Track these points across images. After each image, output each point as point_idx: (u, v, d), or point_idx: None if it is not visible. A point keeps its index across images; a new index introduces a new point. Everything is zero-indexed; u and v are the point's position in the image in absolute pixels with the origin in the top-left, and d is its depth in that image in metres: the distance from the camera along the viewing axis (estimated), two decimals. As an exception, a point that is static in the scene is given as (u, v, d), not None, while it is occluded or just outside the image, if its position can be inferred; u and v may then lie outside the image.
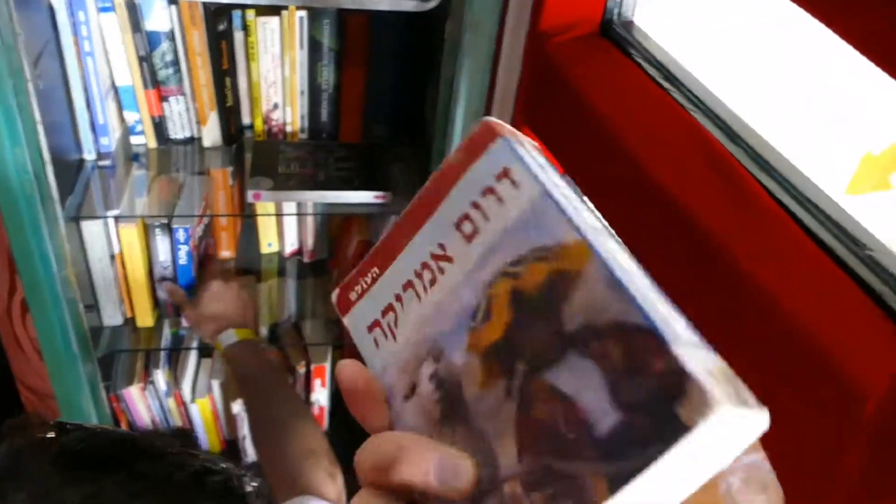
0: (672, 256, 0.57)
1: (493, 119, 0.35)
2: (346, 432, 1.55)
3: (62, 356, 1.05)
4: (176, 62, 1.16)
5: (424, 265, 0.35)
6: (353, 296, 0.36)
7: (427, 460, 0.30)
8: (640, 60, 0.74)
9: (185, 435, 0.51)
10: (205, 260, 1.24)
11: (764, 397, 0.49)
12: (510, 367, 0.32)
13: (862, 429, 0.38)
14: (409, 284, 0.35)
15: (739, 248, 0.51)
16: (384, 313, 0.35)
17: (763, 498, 0.33)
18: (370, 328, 0.35)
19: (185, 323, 1.24)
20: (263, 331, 1.40)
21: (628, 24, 0.75)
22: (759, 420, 0.29)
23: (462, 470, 0.30)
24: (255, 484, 0.57)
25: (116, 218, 1.15)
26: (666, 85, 0.69)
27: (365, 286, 0.36)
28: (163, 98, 1.20)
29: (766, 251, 0.49)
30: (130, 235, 1.18)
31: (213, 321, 1.15)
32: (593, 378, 0.30)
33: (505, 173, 0.34)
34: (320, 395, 1.48)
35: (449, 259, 0.34)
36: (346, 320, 0.36)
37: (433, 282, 0.34)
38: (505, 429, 0.31)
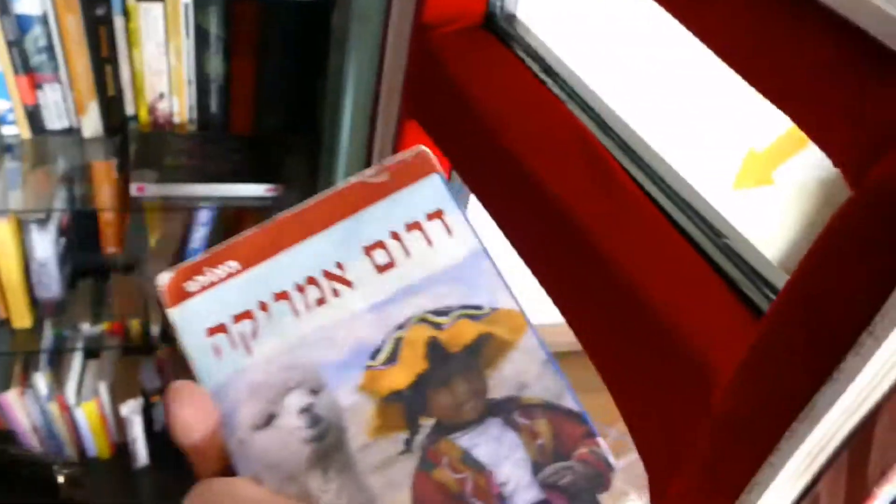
0: (546, 243, 0.58)
1: (429, 151, 0.34)
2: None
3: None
4: (50, 48, 1.10)
5: (311, 280, 0.31)
6: (191, 286, 0.30)
7: None
8: (520, 53, 0.74)
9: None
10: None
11: (628, 379, 0.51)
12: (414, 421, 0.30)
13: (709, 414, 0.40)
14: (283, 295, 0.31)
15: (605, 235, 0.52)
16: (237, 319, 0.30)
17: None
18: (211, 332, 0.30)
19: None
20: (156, 330, 1.35)
21: (510, 18, 0.76)
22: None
23: None
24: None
25: (-14, 212, 1.09)
26: (544, 78, 0.70)
27: (214, 279, 0.31)
28: (37, 85, 1.13)
29: (630, 238, 0.50)
30: (2, 231, 1.11)
31: None
32: (515, 451, 0.30)
33: (438, 215, 0.32)
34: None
35: (348, 283, 0.31)
36: (173, 313, 0.30)
37: (321, 301, 0.31)
38: (398, 487, 0.29)
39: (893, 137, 0.29)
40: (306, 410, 0.29)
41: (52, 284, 1.21)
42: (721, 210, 0.54)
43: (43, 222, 1.13)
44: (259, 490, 0.27)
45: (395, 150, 0.87)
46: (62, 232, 1.23)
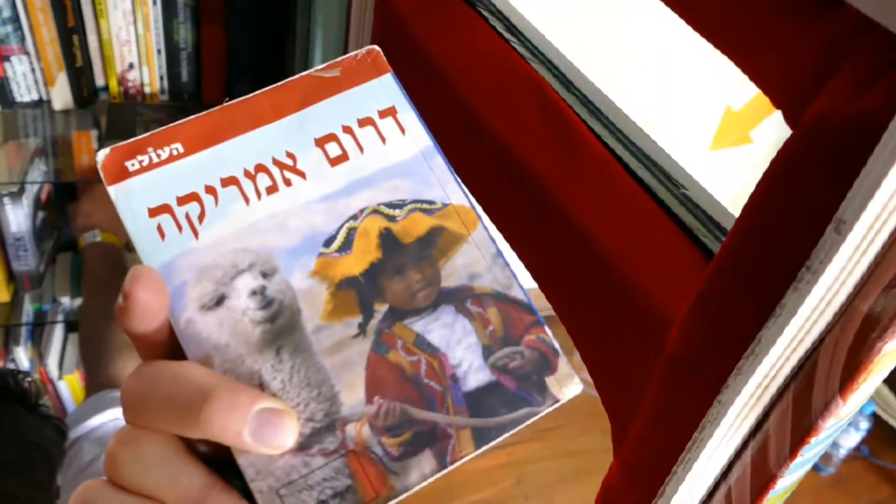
0: (504, 194, 0.58)
1: (381, 51, 0.34)
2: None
3: None
4: (16, 19, 1.08)
5: (260, 167, 0.31)
6: (132, 165, 0.30)
7: (242, 414, 0.24)
8: (485, 13, 0.74)
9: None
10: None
11: (588, 328, 0.52)
12: (368, 306, 0.30)
13: (661, 357, 0.41)
14: (232, 181, 0.31)
15: (561, 185, 0.52)
16: (182, 201, 0.30)
17: None
18: (153, 212, 0.29)
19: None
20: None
21: (475, -24, 0.76)
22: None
23: (287, 427, 0.26)
24: (29, 380, 0.54)
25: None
26: (508, 37, 0.70)
27: (156, 160, 0.30)
28: (3, 58, 1.12)
29: (586, 188, 0.51)
30: (-25, 206, 1.10)
31: (86, 218, 1.12)
32: (468, 336, 0.31)
33: (391, 112, 0.33)
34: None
35: (301, 174, 0.31)
36: (113, 190, 0.29)
37: (272, 190, 0.31)
38: (351, 367, 0.29)
39: (827, 74, 0.30)
40: (257, 293, 0.29)
41: (29, 258, 1.20)
42: (695, 170, 0.55)
43: (16, 196, 1.12)
44: (205, 371, 0.26)
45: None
46: (41, 205, 1.22)
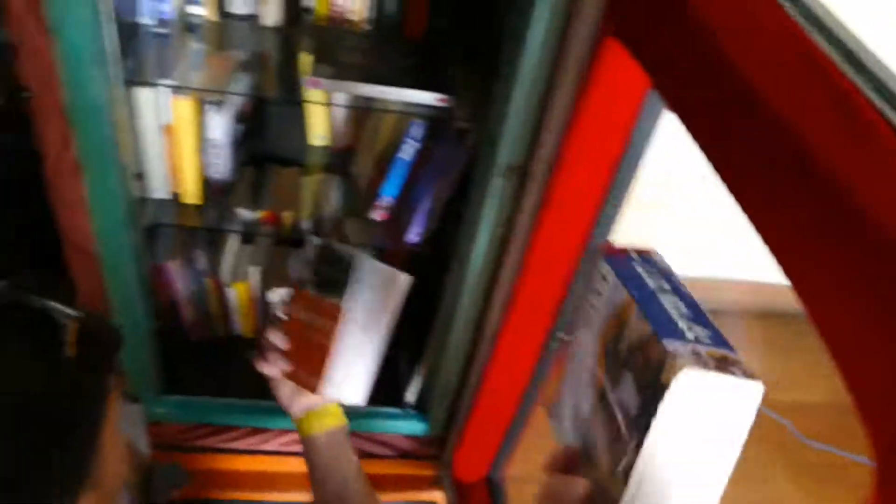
0: (766, 167, 0.53)
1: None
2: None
3: (109, 219, 1.04)
4: (243, -70, 1.10)
5: None
6: None
7: None
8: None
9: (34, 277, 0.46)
10: None
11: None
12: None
13: None
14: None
15: (856, 178, 0.47)
16: None
17: None
18: None
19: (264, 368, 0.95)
20: (306, 224, 1.38)
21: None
22: (751, 390, 0.41)
23: None
24: (71, 313, 0.50)
25: (171, 88, 1.12)
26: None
27: None
28: (228, -30, 1.15)
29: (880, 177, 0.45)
30: (184, 108, 1.15)
31: (312, 399, 0.93)
32: (630, 383, 0.46)
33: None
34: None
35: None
36: None
37: None
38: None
39: None
40: None
41: (221, 167, 1.25)
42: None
43: (219, 104, 1.16)
44: None
45: (591, 70, 0.82)
46: (240, 118, 1.26)
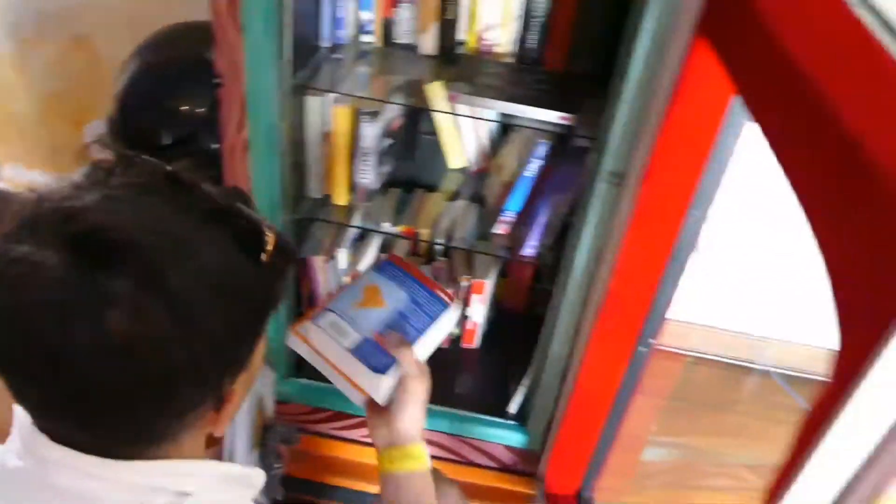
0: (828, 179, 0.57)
1: None
2: (499, 352, 1.64)
3: (266, 199, 1.24)
4: (412, -29, 1.30)
5: None
6: None
7: None
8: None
9: (241, 194, 0.60)
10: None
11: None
12: None
13: None
14: None
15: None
16: None
17: None
18: None
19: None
20: (440, 239, 1.52)
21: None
22: None
23: None
24: (271, 235, 0.62)
25: (335, 97, 1.32)
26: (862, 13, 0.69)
27: None
28: (395, 3, 1.35)
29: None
30: (343, 116, 1.34)
31: (393, 433, 0.90)
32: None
33: None
34: (476, 310, 1.58)
35: None
36: None
37: None
38: None
39: None
40: None
41: (369, 173, 1.43)
42: None
43: (373, 116, 1.34)
44: None
45: (682, 76, 0.90)
46: (389, 133, 1.44)
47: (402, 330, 0.94)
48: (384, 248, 1.62)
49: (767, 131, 0.68)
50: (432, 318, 0.97)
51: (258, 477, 0.69)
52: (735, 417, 2.12)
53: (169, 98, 1.54)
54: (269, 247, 0.62)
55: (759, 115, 0.71)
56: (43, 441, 0.58)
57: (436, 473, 0.95)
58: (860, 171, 0.51)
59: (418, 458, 0.89)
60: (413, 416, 0.89)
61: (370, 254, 1.58)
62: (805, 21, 0.67)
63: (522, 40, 1.35)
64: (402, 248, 1.61)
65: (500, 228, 1.42)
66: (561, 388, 1.32)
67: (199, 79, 1.41)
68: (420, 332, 0.95)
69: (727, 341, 2.17)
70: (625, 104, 1.02)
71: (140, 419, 0.58)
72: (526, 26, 1.33)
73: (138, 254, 0.53)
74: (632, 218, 1.03)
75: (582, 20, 1.30)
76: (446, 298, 1.00)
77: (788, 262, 1.93)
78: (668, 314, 1.13)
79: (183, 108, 1.55)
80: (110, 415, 0.57)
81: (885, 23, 0.65)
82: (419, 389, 0.90)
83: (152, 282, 0.53)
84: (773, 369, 2.16)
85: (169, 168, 0.61)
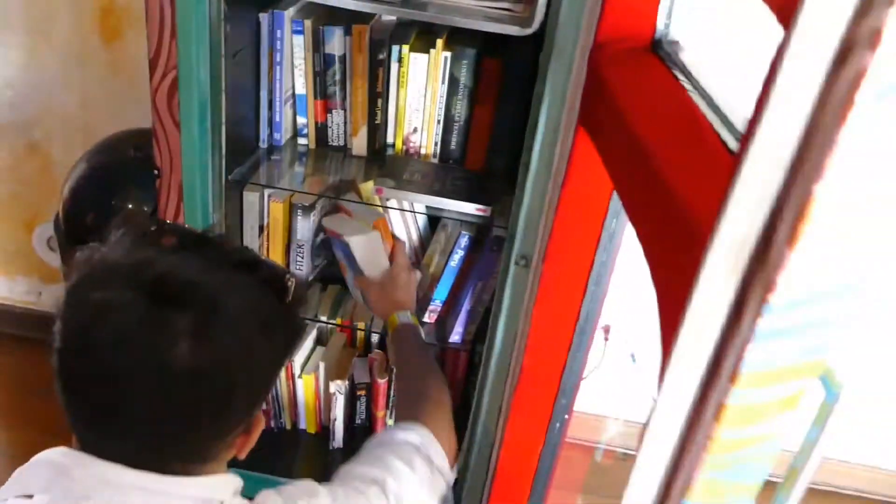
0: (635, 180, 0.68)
1: None
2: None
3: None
4: (343, 80, 1.43)
5: None
6: None
7: None
8: (678, 74, 0.86)
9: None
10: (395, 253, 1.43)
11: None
12: None
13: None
14: None
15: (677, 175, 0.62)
16: None
17: None
18: None
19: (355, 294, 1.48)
20: (375, 337, 1.58)
21: (674, 43, 0.89)
22: None
23: None
24: (293, 280, 0.75)
25: (270, 193, 1.41)
26: (698, 99, 0.81)
27: None
28: (327, 109, 1.47)
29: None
30: (279, 210, 1.43)
31: (394, 305, 1.34)
32: None
33: None
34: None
35: None
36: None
37: None
38: None
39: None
40: None
41: (304, 265, 1.50)
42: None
43: (307, 210, 1.43)
44: None
45: (570, 157, 1.01)
46: (321, 228, 1.52)
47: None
48: (320, 339, 1.67)
49: (623, 202, 0.78)
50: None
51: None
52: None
53: (113, 196, 1.62)
54: (292, 291, 0.75)
55: (617, 187, 0.81)
56: (111, 466, 0.67)
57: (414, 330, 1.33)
58: (686, 229, 0.60)
59: (412, 317, 1.33)
60: (406, 290, 1.37)
61: (307, 347, 1.63)
62: (648, 102, 0.78)
63: (445, 142, 1.47)
64: (338, 341, 1.67)
65: (429, 317, 1.48)
66: (487, 466, 1.35)
67: (142, 179, 1.49)
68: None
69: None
70: (528, 192, 1.12)
71: (201, 438, 0.71)
72: (447, 129, 1.45)
73: (200, 292, 0.67)
74: (537, 296, 1.11)
75: (498, 122, 1.42)
76: None
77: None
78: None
79: (128, 205, 1.63)
80: (179, 434, 0.69)
81: (714, 106, 0.77)
82: (407, 275, 1.38)
83: (213, 314, 0.66)
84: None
85: (198, 231, 0.80)
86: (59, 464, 0.68)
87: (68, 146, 1.96)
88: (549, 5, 1.02)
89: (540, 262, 1.09)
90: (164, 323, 0.64)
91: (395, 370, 1.46)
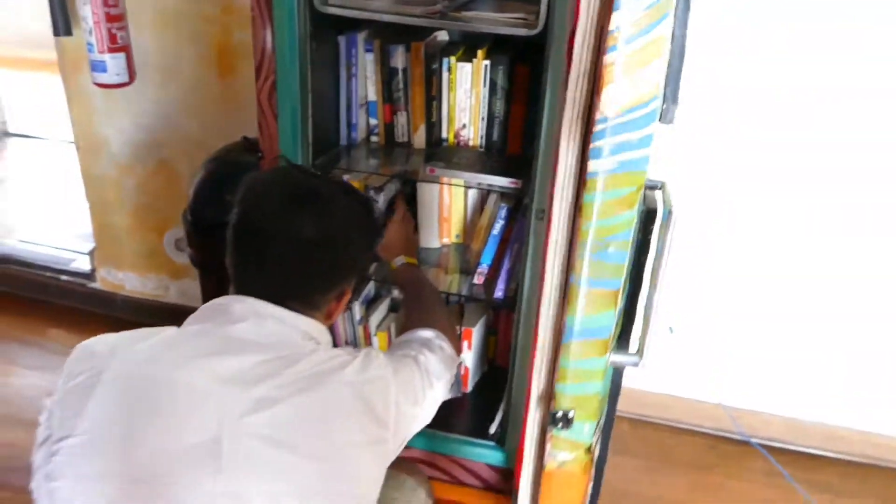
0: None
1: None
2: (488, 393, 1.94)
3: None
4: (405, 88, 1.78)
5: None
6: None
7: None
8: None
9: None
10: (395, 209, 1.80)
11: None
12: None
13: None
14: None
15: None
16: None
17: None
18: None
19: None
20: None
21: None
22: None
23: None
24: (374, 202, 1.16)
25: (348, 176, 1.77)
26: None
27: None
28: (393, 112, 1.82)
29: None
30: (356, 186, 1.77)
31: (398, 251, 1.71)
32: None
33: None
34: (466, 356, 1.91)
35: None
36: None
37: None
38: None
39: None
40: None
41: (375, 239, 1.84)
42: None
43: (377, 190, 1.78)
44: None
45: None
46: (391, 206, 1.86)
47: None
48: (393, 307, 1.99)
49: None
50: None
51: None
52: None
53: (225, 192, 2.02)
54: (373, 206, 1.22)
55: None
56: (257, 301, 1.06)
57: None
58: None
59: (407, 260, 1.69)
60: (399, 237, 1.72)
61: (381, 311, 1.96)
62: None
63: (489, 135, 1.79)
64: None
65: (477, 279, 1.78)
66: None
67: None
68: None
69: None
70: (540, 161, 1.42)
71: (315, 288, 1.10)
72: (490, 124, 1.77)
73: (321, 195, 1.10)
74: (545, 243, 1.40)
75: (530, 117, 1.73)
76: None
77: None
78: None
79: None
80: (302, 282, 1.09)
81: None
82: (398, 225, 1.75)
83: (327, 207, 1.09)
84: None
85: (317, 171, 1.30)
86: (220, 303, 1.07)
87: (190, 162, 2.39)
88: (549, 12, 1.34)
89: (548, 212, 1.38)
90: (297, 210, 1.06)
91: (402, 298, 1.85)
